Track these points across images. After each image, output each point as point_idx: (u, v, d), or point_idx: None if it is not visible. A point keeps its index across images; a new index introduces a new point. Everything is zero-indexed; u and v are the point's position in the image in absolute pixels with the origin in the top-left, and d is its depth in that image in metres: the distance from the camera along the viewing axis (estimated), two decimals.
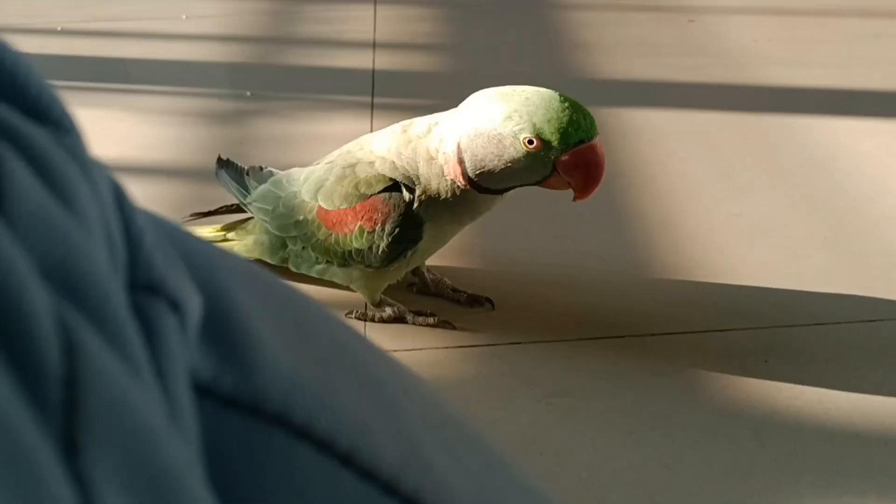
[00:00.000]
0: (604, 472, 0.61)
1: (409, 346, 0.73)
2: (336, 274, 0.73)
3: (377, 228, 0.67)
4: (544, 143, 0.60)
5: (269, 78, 1.22)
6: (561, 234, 0.86)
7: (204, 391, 0.15)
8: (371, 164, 0.68)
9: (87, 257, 0.13)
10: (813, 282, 0.80)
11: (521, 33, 1.36)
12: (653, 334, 0.74)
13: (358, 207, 0.67)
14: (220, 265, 0.17)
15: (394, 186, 0.67)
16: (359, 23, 1.39)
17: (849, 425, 0.65)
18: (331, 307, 0.21)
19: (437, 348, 0.73)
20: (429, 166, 0.65)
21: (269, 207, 0.74)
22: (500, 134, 0.61)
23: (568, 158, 0.61)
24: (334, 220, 0.69)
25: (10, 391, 0.11)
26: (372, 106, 1.10)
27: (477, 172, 0.63)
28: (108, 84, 1.19)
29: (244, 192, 0.77)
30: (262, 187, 0.75)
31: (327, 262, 0.73)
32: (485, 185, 0.64)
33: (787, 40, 1.31)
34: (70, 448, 0.11)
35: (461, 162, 0.63)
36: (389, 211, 0.66)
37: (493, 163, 0.62)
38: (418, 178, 0.66)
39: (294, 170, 0.75)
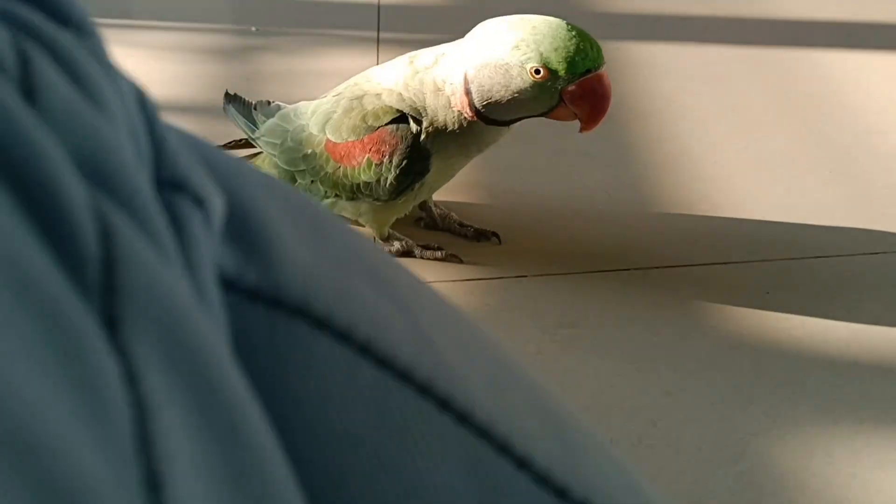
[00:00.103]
0: (607, 399, 0.63)
1: None
2: (344, 208, 0.74)
3: (385, 161, 0.67)
4: (551, 72, 0.60)
5: (275, 13, 1.21)
6: (567, 169, 0.87)
7: (228, 285, 0.16)
8: (378, 95, 0.67)
9: (116, 151, 0.13)
10: (816, 215, 0.80)
11: None
12: (657, 267, 0.75)
13: (366, 140, 0.68)
14: (240, 172, 0.18)
15: (401, 118, 0.67)
16: None
17: (847, 355, 0.66)
18: None
19: (445, 282, 0.74)
20: (436, 98, 0.65)
21: (278, 142, 0.74)
22: (506, 64, 0.61)
23: (574, 88, 0.61)
24: (342, 153, 0.69)
25: (53, 270, 0.11)
26: (378, 41, 1.09)
27: (484, 103, 0.63)
28: (111, 20, 1.18)
29: (252, 126, 0.77)
30: (270, 121, 0.75)
31: (336, 195, 0.73)
32: (491, 116, 0.64)
33: None
34: (111, 324, 0.12)
35: (468, 93, 0.63)
36: (397, 143, 0.67)
37: (500, 93, 0.62)
38: (425, 110, 0.66)
39: (301, 103, 0.75)
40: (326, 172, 0.71)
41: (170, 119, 0.16)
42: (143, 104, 0.16)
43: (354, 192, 0.71)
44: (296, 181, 0.75)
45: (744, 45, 1.09)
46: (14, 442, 0.09)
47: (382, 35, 1.11)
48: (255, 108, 0.78)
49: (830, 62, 1.04)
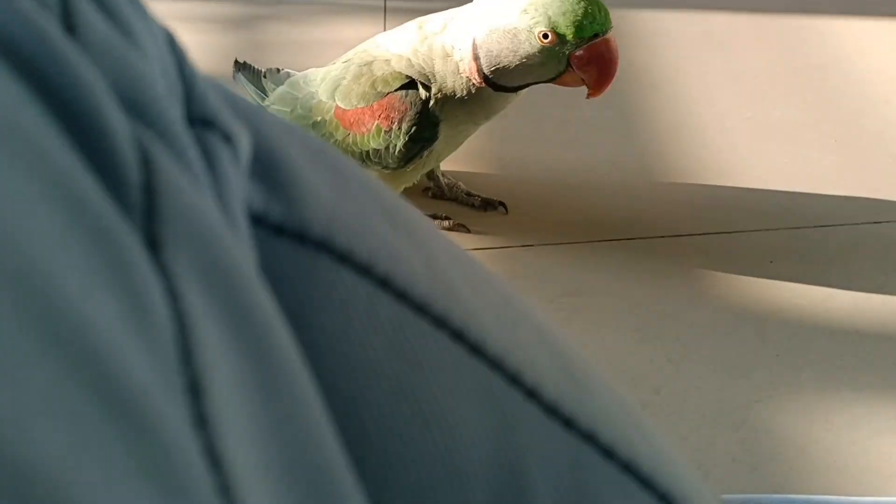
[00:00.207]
0: (612, 367, 0.64)
1: None
2: None
3: (394, 127, 0.68)
4: (559, 36, 0.61)
5: None
6: (573, 139, 0.87)
7: (256, 220, 0.16)
8: (387, 61, 0.68)
9: (151, 85, 0.14)
10: (821, 184, 0.80)
11: None
12: (661, 236, 0.76)
13: (375, 106, 0.68)
14: (262, 114, 0.18)
15: (410, 84, 0.67)
16: None
17: (849, 323, 0.67)
18: None
19: None
20: (444, 63, 0.66)
21: (287, 109, 0.74)
22: (515, 28, 0.62)
23: (582, 53, 0.61)
24: (352, 120, 0.70)
25: (101, 192, 0.12)
26: (385, 10, 1.09)
27: (492, 69, 0.64)
28: None
29: (262, 94, 0.77)
30: (280, 89, 0.75)
31: None
32: (500, 82, 0.65)
33: None
34: (153, 244, 0.12)
35: (476, 59, 0.64)
36: (406, 109, 0.67)
37: (509, 59, 0.63)
38: (434, 76, 0.66)
39: (311, 70, 0.75)
40: (336, 140, 0.72)
41: None
42: (173, 46, 0.16)
43: (364, 159, 0.72)
44: None
45: (750, 13, 1.09)
46: (74, 344, 0.10)
47: (389, 3, 1.11)
48: (264, 76, 0.78)
49: (837, 30, 1.04)
